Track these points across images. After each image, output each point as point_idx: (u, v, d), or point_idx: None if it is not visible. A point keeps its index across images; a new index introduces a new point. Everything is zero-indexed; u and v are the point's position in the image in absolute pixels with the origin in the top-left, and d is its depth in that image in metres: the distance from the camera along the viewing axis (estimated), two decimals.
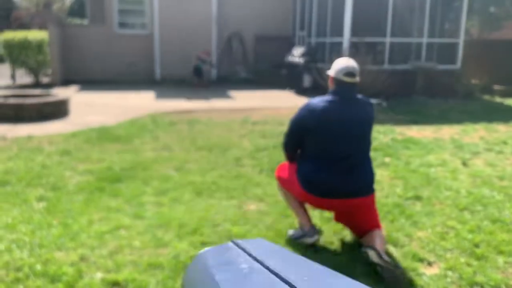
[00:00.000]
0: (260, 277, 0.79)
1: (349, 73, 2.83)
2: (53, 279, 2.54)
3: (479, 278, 2.67)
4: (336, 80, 2.86)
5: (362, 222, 2.91)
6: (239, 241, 1.00)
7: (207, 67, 12.12)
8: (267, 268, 0.80)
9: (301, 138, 2.90)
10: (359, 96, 2.92)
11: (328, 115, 2.78)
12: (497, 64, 12.42)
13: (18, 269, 2.63)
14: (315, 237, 2.95)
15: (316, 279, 0.78)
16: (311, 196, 2.86)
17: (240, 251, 0.95)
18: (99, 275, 2.60)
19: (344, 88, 2.84)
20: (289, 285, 0.70)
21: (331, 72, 2.89)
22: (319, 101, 2.83)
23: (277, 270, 0.78)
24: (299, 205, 3.05)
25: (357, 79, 2.87)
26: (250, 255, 0.90)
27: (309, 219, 3.03)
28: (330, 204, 2.89)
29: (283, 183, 3.09)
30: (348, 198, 2.82)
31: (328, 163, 2.80)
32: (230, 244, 1.01)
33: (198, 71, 11.95)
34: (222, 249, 1.00)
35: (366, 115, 2.87)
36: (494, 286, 2.60)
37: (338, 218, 3.07)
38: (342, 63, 2.88)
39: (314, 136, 2.82)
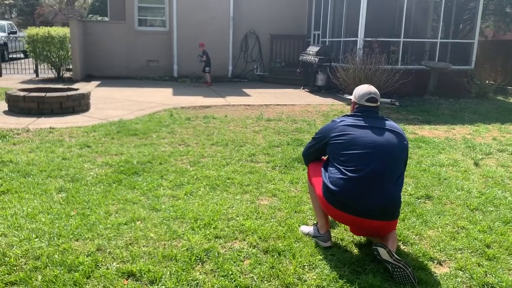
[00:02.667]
0: None
1: (372, 98, 2.92)
2: (70, 268, 2.61)
3: (490, 279, 2.67)
4: (358, 105, 2.94)
5: (378, 234, 2.88)
6: None
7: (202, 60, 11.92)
8: None
9: (322, 148, 2.96)
10: (387, 120, 2.92)
11: (349, 125, 2.86)
12: None
13: (37, 258, 2.71)
14: (328, 243, 2.98)
15: None
16: (331, 207, 2.83)
17: None
18: (114, 265, 2.67)
19: (366, 109, 2.92)
20: None
21: (353, 98, 2.97)
22: (341, 117, 2.97)
23: None
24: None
25: (379, 104, 2.94)
26: None
27: (328, 223, 3.03)
28: (349, 219, 2.84)
29: (311, 179, 3.10)
30: (367, 219, 2.73)
31: (351, 176, 2.73)
32: None
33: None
34: None
35: (395, 141, 2.81)
36: None
37: (355, 231, 3.02)
38: (363, 89, 2.97)
39: (336, 145, 2.84)
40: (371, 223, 2.73)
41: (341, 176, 2.75)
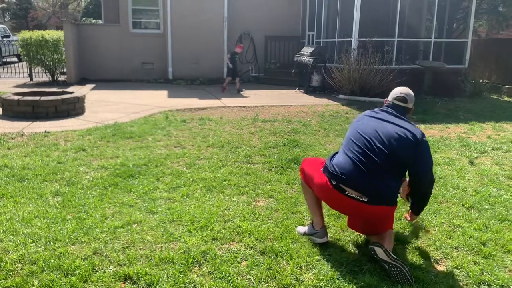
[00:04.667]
0: None
1: (400, 97, 3.00)
2: (67, 272, 2.60)
3: (486, 276, 2.68)
4: (388, 102, 3.06)
5: (375, 230, 2.90)
6: None
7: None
8: None
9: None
10: (405, 120, 2.92)
11: (366, 114, 3.03)
12: (505, 64, 12.28)
13: (33, 263, 2.70)
14: (325, 239, 3.00)
15: None
16: (326, 183, 2.87)
17: None
18: (111, 268, 2.66)
19: (393, 106, 3.01)
20: None
21: (388, 98, 3.08)
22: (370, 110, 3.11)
23: None
24: (316, 202, 3.09)
25: (409, 105, 3.00)
26: None
27: (322, 219, 3.07)
28: (341, 201, 2.87)
29: (305, 176, 3.12)
30: (357, 201, 2.76)
31: (351, 151, 2.86)
32: None
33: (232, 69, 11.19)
34: None
35: (401, 137, 2.77)
36: (502, 285, 2.60)
37: (351, 224, 3.05)
38: (398, 89, 3.07)
39: (351, 129, 2.98)
40: (362, 207, 2.76)
41: (339, 156, 2.93)
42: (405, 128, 2.83)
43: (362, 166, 2.78)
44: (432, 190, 2.97)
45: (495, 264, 2.82)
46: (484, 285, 2.62)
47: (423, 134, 2.86)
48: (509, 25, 14.45)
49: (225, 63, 13.15)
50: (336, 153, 3.01)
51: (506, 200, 3.91)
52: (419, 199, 3.02)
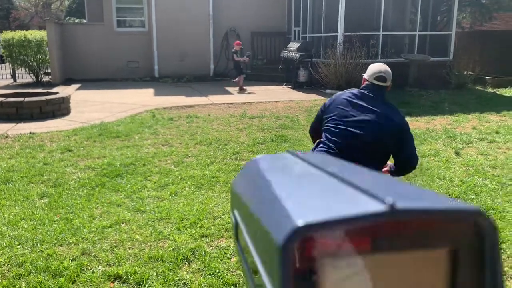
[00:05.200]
0: (320, 179, 0.68)
1: (380, 77, 2.92)
2: (55, 274, 2.58)
3: None
4: (367, 83, 2.96)
5: None
6: (297, 152, 0.89)
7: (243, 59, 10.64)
8: (328, 172, 0.69)
9: (320, 119, 2.98)
10: (389, 103, 2.91)
11: (343, 96, 2.90)
12: (489, 55, 12.44)
13: (20, 265, 2.67)
14: None
15: (385, 184, 0.66)
16: None
17: (297, 159, 0.84)
18: (100, 268, 2.64)
19: (370, 87, 2.93)
20: (353, 186, 0.58)
21: (365, 75, 2.99)
22: (347, 90, 2.98)
23: (339, 174, 0.65)
24: None
25: (388, 83, 2.95)
26: (309, 162, 0.79)
27: None
28: None
29: None
30: None
31: (334, 141, 2.80)
32: (286, 153, 0.90)
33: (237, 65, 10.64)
34: (278, 156, 0.89)
35: (385, 122, 2.76)
36: None
37: None
38: (375, 67, 2.99)
39: (328, 114, 2.89)
40: None
41: (324, 146, 2.85)
42: (387, 115, 2.83)
43: (346, 156, 2.79)
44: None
45: None
46: None
47: (404, 119, 2.86)
48: (492, 17, 14.63)
49: (211, 59, 13.13)
50: (320, 142, 3.00)
51: (491, 189, 3.96)
52: (403, 174, 3.04)
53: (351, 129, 2.79)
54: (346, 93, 2.94)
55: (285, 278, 0.45)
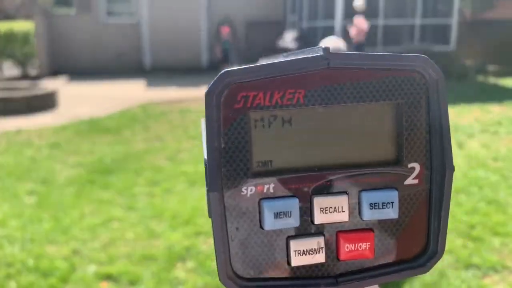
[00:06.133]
0: None
1: None
2: (46, 273, 2.51)
3: (475, 259, 2.67)
4: None
5: None
6: None
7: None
8: None
9: None
10: None
11: None
12: (491, 44, 12.40)
13: (10, 265, 2.60)
14: None
15: None
16: None
17: None
18: (92, 268, 2.57)
19: None
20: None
21: None
22: None
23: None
24: None
25: None
26: None
27: None
28: None
29: None
30: None
31: None
32: None
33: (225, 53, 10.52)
34: None
35: None
36: (490, 267, 2.60)
37: None
38: (329, 44, 2.84)
39: None
40: None
41: None
42: None
43: None
44: None
45: (483, 247, 2.82)
46: (473, 268, 2.61)
47: None
48: (494, 5, 14.55)
49: (204, 50, 12.99)
50: None
51: (494, 182, 3.92)
52: None
53: None
54: None
55: (210, 125, 0.40)
